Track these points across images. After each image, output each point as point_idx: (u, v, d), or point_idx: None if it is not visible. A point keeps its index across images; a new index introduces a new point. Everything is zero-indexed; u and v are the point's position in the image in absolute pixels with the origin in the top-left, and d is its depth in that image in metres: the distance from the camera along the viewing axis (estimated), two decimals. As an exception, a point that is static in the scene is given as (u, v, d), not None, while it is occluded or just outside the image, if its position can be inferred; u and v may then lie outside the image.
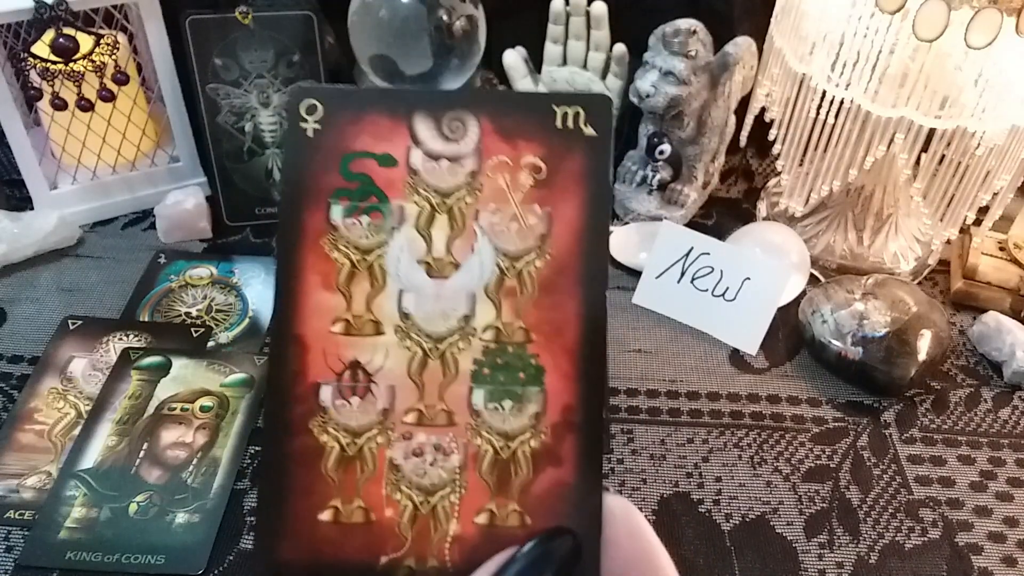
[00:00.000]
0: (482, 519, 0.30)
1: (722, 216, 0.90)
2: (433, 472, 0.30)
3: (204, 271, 0.79)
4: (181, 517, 0.58)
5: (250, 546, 0.57)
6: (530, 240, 0.31)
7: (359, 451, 0.30)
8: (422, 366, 0.31)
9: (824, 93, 0.70)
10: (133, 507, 0.59)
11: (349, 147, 0.31)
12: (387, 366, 0.31)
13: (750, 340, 0.74)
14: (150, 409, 0.65)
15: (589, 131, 0.31)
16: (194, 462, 0.62)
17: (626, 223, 0.87)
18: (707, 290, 0.76)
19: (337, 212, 0.31)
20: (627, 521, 0.30)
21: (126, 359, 0.69)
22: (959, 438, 0.68)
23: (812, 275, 0.81)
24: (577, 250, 0.31)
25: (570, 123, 0.31)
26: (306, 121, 0.31)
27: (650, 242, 0.79)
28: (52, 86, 0.75)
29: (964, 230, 0.80)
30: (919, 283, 0.82)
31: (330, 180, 0.31)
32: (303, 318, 0.30)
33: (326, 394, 0.30)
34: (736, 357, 0.74)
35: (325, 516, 0.30)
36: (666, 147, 0.83)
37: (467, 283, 0.31)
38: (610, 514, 0.30)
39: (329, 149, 0.31)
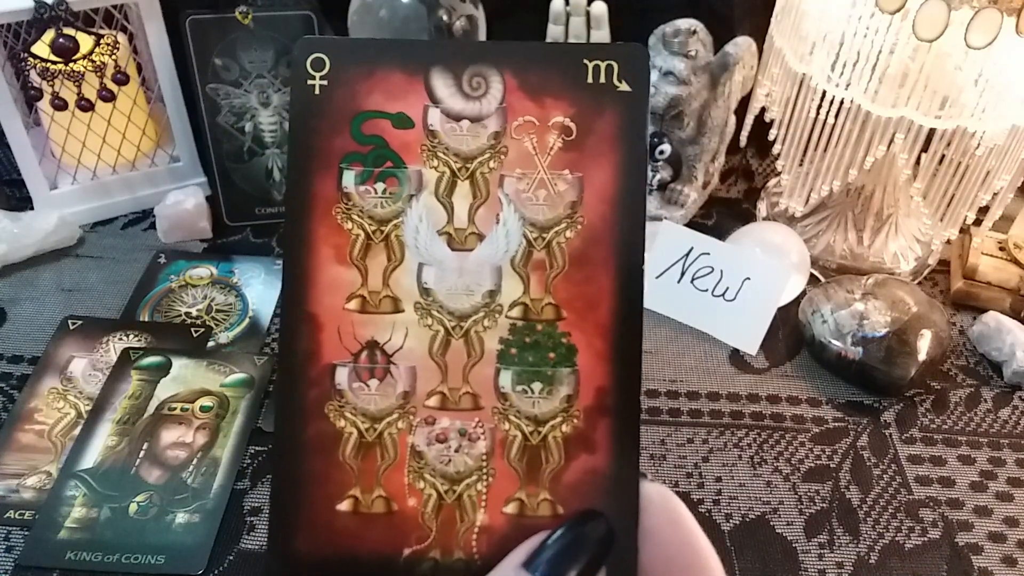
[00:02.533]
0: (511, 509, 0.28)
1: (722, 216, 0.90)
2: (458, 459, 0.29)
3: (204, 271, 0.79)
4: (181, 517, 0.58)
5: (250, 546, 0.57)
6: (560, 208, 0.29)
7: (379, 437, 0.28)
8: (445, 346, 0.29)
9: (824, 93, 0.70)
10: (133, 507, 0.59)
11: (360, 106, 0.28)
12: (407, 346, 0.29)
13: (750, 340, 0.74)
14: (150, 409, 0.65)
15: (623, 86, 0.28)
16: (194, 462, 0.62)
17: (626, 223, 0.87)
18: (707, 290, 0.76)
19: (349, 178, 0.29)
20: (666, 509, 0.28)
21: (126, 359, 0.69)
22: (959, 438, 0.68)
23: (812, 275, 0.81)
24: (611, 218, 0.28)
25: (602, 78, 0.28)
26: (312, 77, 0.28)
27: (650, 242, 0.79)
28: (52, 86, 0.75)
29: (964, 230, 0.80)
30: (919, 283, 0.82)
31: (341, 143, 0.28)
32: (315, 295, 0.29)
33: (342, 376, 0.29)
34: (736, 357, 0.74)
35: (343, 506, 0.28)
36: (666, 147, 0.83)
37: (492, 256, 0.29)
38: (648, 502, 0.28)
39: (338, 108, 0.28)
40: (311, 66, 0.28)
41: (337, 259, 0.29)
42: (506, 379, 0.29)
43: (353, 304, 0.29)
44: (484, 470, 0.29)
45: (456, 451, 0.29)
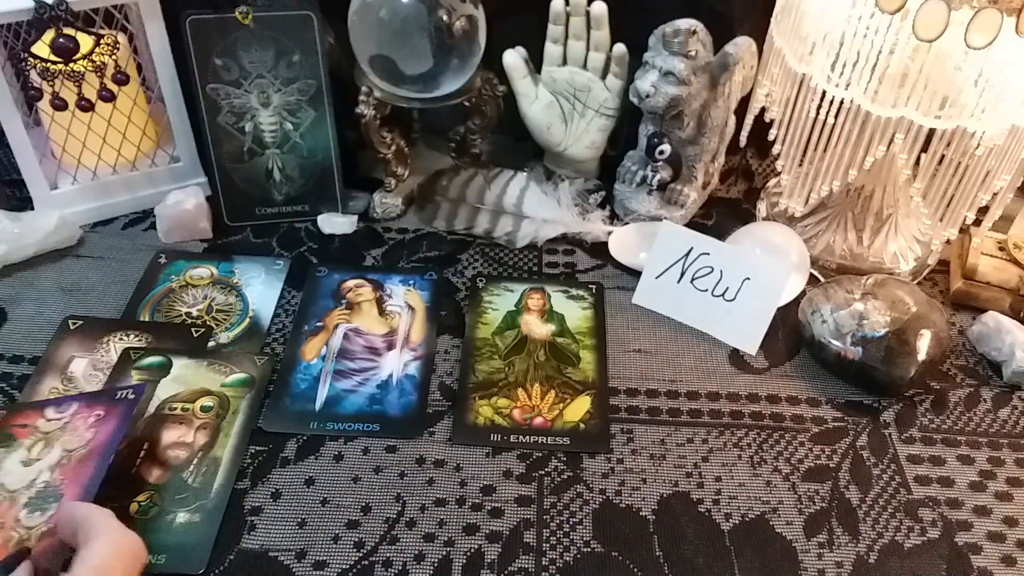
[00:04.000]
0: None
1: (722, 216, 0.90)
2: None
3: (204, 271, 0.79)
4: (182, 517, 0.58)
5: (251, 545, 0.58)
6: None
7: None
8: None
9: (824, 93, 0.70)
10: (134, 507, 0.59)
11: None
12: None
13: (750, 340, 0.74)
14: (151, 409, 0.65)
15: None
16: (195, 462, 0.62)
17: (626, 223, 0.87)
18: (707, 290, 0.76)
19: None
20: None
21: (127, 359, 0.69)
22: (958, 438, 0.68)
23: (812, 275, 0.81)
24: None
25: None
26: None
27: (650, 242, 0.79)
28: (52, 86, 0.75)
29: (964, 230, 0.80)
30: (919, 283, 0.82)
31: None
32: None
33: None
34: (736, 357, 0.74)
35: None
36: (666, 147, 0.83)
37: None
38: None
39: None
40: None
41: None
42: None
43: None
44: None
45: None
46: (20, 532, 0.54)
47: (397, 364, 0.71)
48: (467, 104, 0.86)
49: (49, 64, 0.74)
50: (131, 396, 0.62)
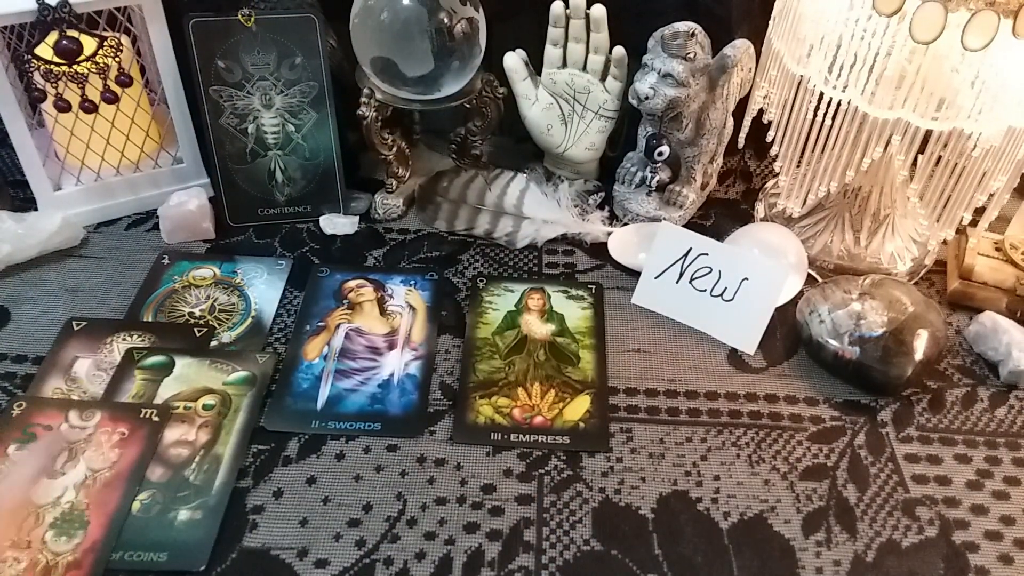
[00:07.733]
0: None
1: (720, 217, 0.91)
2: None
3: (207, 271, 0.80)
4: (183, 514, 0.59)
5: (252, 544, 0.58)
6: None
7: None
8: None
9: (821, 95, 0.70)
10: (136, 504, 0.59)
11: None
12: None
13: (748, 340, 0.75)
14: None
15: None
16: (196, 459, 0.62)
17: (625, 224, 0.87)
18: (705, 290, 0.77)
19: None
20: None
21: (130, 359, 0.69)
22: (956, 437, 0.69)
23: (809, 275, 0.82)
24: None
25: None
26: None
27: (649, 243, 0.79)
28: (56, 88, 0.75)
29: (960, 231, 0.80)
30: (916, 283, 0.82)
31: None
32: None
33: None
34: (734, 356, 0.75)
35: None
36: (665, 148, 0.84)
37: None
38: None
39: None
40: None
41: None
42: None
43: None
44: None
45: None
46: (47, 556, 0.55)
47: (398, 364, 0.72)
48: (468, 106, 0.87)
49: (52, 66, 0.74)
50: (155, 419, 0.64)
